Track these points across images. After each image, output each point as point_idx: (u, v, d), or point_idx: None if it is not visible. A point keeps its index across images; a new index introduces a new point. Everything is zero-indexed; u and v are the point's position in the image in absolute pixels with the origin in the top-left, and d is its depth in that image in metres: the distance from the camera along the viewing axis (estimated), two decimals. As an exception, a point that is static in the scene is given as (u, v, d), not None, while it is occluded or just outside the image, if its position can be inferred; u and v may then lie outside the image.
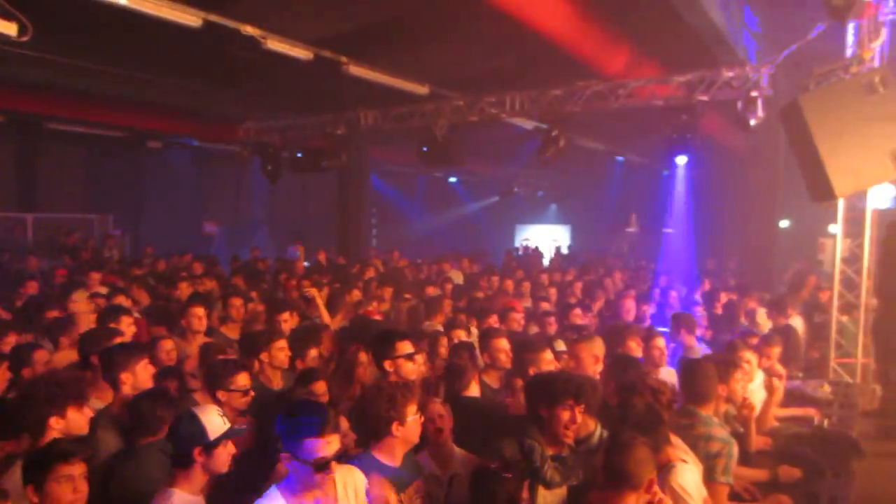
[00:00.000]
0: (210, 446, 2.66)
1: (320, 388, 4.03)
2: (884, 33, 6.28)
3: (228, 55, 8.53)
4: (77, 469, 2.57)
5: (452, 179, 23.40)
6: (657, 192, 21.70)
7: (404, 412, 3.05)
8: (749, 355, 5.00)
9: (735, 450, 3.52)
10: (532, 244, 22.82)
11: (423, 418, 3.20)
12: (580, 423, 3.28)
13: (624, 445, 2.65)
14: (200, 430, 2.66)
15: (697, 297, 9.30)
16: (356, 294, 7.87)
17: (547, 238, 24.26)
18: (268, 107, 12.59)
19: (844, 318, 7.49)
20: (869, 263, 7.21)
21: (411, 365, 4.18)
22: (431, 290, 8.90)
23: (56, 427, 3.02)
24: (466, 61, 9.42)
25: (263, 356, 4.61)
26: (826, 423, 5.27)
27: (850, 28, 6.51)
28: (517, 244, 24.42)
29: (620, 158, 18.29)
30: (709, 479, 3.38)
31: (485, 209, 24.71)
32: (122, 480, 3.02)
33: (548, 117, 9.47)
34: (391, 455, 3.08)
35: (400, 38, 8.60)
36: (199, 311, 5.68)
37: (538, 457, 3.15)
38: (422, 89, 10.07)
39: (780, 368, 5.43)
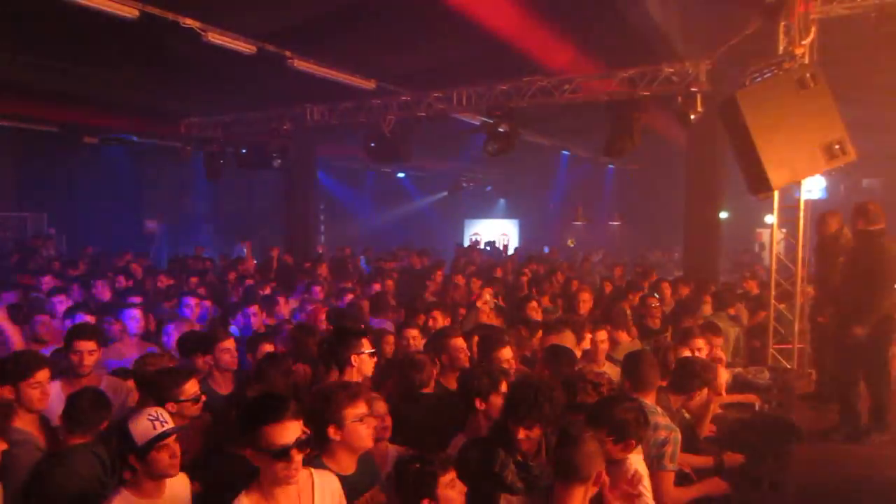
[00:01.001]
0: (142, 452, 2.66)
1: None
2: (813, 31, 6.54)
3: (168, 48, 8.30)
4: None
5: (401, 175, 23.31)
6: (603, 186, 22.19)
7: (342, 415, 2.91)
8: (701, 343, 5.14)
9: (679, 436, 3.61)
10: (482, 238, 23.00)
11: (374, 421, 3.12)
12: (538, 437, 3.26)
13: (573, 439, 2.67)
14: (128, 438, 2.68)
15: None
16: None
17: (496, 232, 24.47)
18: (211, 102, 12.26)
19: (782, 306, 7.78)
20: (803, 253, 7.50)
21: (372, 363, 4.15)
22: (376, 286, 8.84)
23: None
24: (413, 56, 9.37)
25: (208, 359, 4.50)
26: (766, 408, 5.46)
27: (782, 26, 6.74)
28: (466, 239, 24.56)
29: (566, 153, 18.54)
30: (657, 467, 3.45)
31: (434, 204, 24.73)
32: (52, 480, 3.00)
33: (495, 112, 9.52)
34: (337, 462, 2.94)
35: (346, 32, 8.49)
36: (137, 313, 5.52)
37: (499, 462, 3.13)
38: (368, 84, 9.98)
39: (722, 356, 5.61)
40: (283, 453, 2.41)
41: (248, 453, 2.47)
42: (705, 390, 4.64)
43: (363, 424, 2.97)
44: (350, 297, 7.94)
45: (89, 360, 4.13)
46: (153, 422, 2.72)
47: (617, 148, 8.85)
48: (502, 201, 25.95)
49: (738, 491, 3.79)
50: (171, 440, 2.73)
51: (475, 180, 23.41)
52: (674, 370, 4.49)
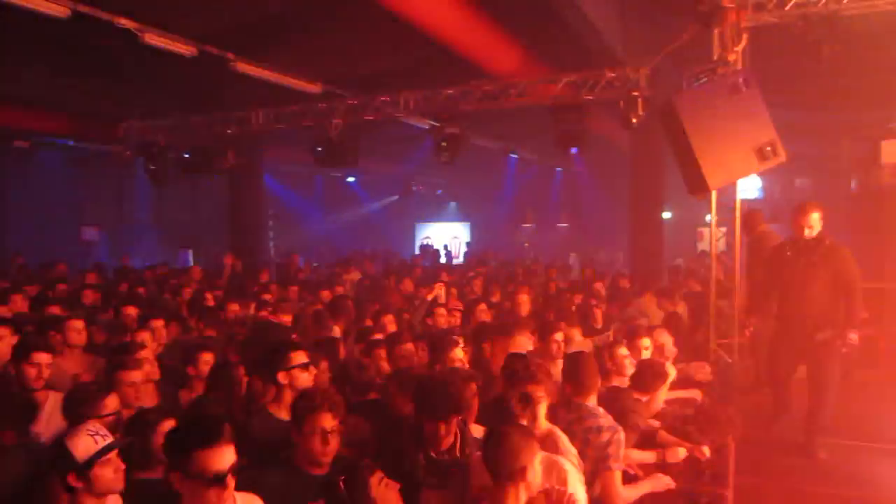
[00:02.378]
0: (84, 469, 2.54)
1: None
2: (745, 38, 6.80)
3: (103, 49, 8.05)
4: None
5: (351, 179, 23.16)
6: (551, 188, 22.54)
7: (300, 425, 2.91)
8: (647, 341, 5.27)
9: (622, 435, 3.67)
10: (433, 242, 23.05)
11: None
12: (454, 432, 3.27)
13: (496, 436, 2.68)
14: (67, 457, 2.55)
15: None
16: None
17: (448, 235, 24.57)
18: (152, 105, 11.94)
19: (722, 302, 8.03)
20: (740, 250, 7.77)
21: (306, 375, 4.05)
22: (325, 294, 8.73)
23: None
24: (359, 60, 9.36)
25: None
26: (707, 402, 5.62)
27: (716, 33, 6.98)
28: (418, 242, 24.59)
29: (515, 156, 18.77)
30: (603, 468, 3.50)
31: (385, 208, 24.66)
32: None
33: (442, 116, 9.57)
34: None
35: (290, 35, 8.42)
36: (78, 324, 5.32)
37: (409, 458, 3.13)
38: (314, 88, 9.90)
39: (673, 351, 5.80)
40: (219, 480, 2.29)
41: (173, 478, 2.33)
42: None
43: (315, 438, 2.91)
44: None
45: (46, 374, 3.99)
46: (93, 436, 2.60)
47: (565, 151, 9.03)
48: (453, 204, 26.08)
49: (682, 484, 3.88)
50: (113, 454, 2.61)
51: (426, 184, 23.45)
52: (636, 370, 4.68)
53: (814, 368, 5.78)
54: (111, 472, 2.59)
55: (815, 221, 5.61)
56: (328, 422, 2.92)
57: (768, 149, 6.02)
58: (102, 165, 14.82)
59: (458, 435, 3.27)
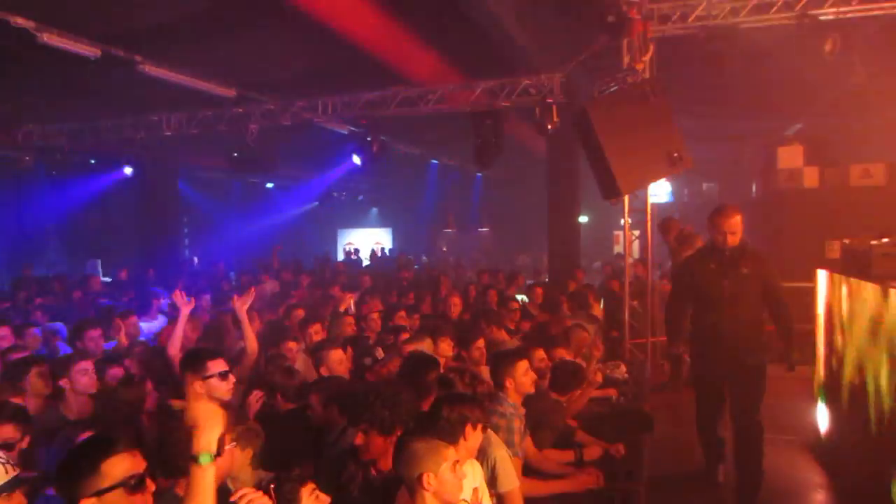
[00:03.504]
0: None
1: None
2: (651, 48, 7.11)
3: (-1, 49, 7.57)
4: None
5: (269, 185, 22.64)
6: (471, 194, 22.78)
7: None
8: (563, 352, 5.41)
9: (516, 423, 3.84)
10: (355, 248, 22.84)
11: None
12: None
13: (397, 446, 2.68)
14: None
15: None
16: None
17: (370, 241, 24.40)
18: (53, 108, 11.27)
19: (635, 303, 8.34)
20: (652, 252, 8.10)
21: (225, 385, 3.93)
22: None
23: None
24: (275, 63, 9.15)
25: (63, 382, 4.12)
26: (622, 400, 5.82)
27: (625, 43, 7.27)
28: (340, 248, 24.29)
29: (435, 161, 18.88)
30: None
31: (305, 214, 24.23)
32: None
33: (361, 121, 9.51)
34: None
35: (201, 37, 8.13)
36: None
37: (347, 474, 3.11)
38: (228, 92, 9.61)
39: (596, 353, 6.00)
40: (140, 482, 2.16)
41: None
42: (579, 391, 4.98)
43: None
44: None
45: None
46: (5, 465, 2.38)
47: (485, 157, 9.14)
48: (375, 210, 25.94)
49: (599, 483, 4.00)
50: (19, 492, 2.36)
51: (347, 189, 23.21)
52: (552, 372, 4.80)
53: (742, 398, 4.88)
54: None
55: (738, 226, 4.76)
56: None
57: (675, 155, 6.29)
58: (1, 171, 13.88)
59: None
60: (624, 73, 6.90)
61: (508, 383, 4.01)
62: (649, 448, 4.90)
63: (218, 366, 3.86)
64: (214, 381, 3.80)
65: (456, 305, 7.60)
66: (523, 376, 4.04)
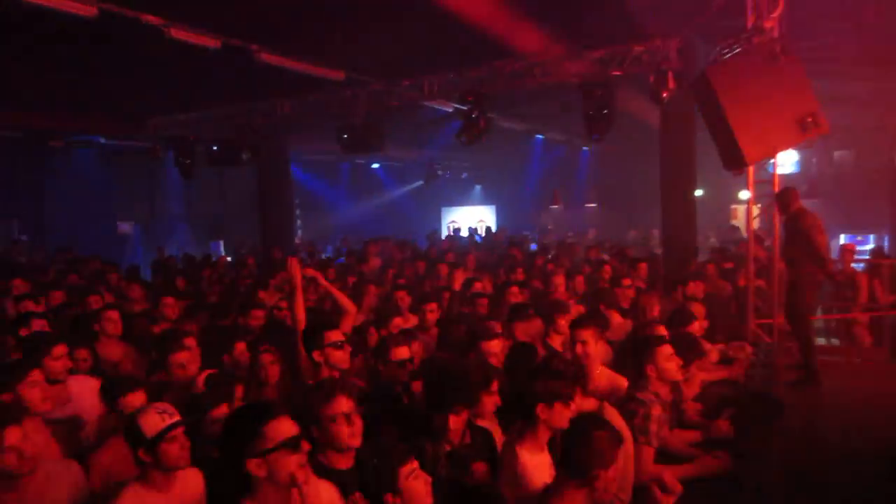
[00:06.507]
0: (151, 445, 2.73)
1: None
2: (781, 4, 6.53)
3: (130, 46, 8.10)
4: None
5: (375, 165, 23.14)
6: (578, 168, 22.22)
7: (318, 415, 2.86)
8: (695, 327, 5.17)
9: (654, 411, 3.72)
10: (459, 226, 22.94)
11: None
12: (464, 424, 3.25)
13: (579, 432, 2.62)
14: (138, 432, 2.76)
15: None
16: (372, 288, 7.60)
17: (473, 219, 24.43)
18: (179, 99, 12.00)
19: (760, 282, 7.83)
20: (778, 227, 7.54)
21: (341, 354, 4.07)
22: (351, 280, 8.71)
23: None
24: (382, 45, 9.23)
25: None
26: (749, 383, 5.49)
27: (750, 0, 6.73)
28: (444, 227, 24.50)
29: (540, 136, 18.52)
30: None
31: (410, 193, 24.60)
32: None
33: (466, 98, 9.44)
34: (328, 457, 2.88)
35: (312, 23, 8.33)
36: (114, 314, 5.42)
37: (429, 457, 3.07)
38: (337, 75, 9.82)
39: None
40: (298, 443, 2.34)
41: (250, 467, 2.29)
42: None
43: (338, 424, 2.86)
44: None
45: (70, 365, 4.17)
46: (161, 414, 2.81)
47: (594, 130, 8.84)
48: (478, 188, 25.89)
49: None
50: (179, 432, 2.80)
51: (450, 168, 23.30)
52: None
53: None
54: (177, 449, 2.77)
55: None
56: (346, 405, 2.91)
57: (809, 119, 5.79)
58: (135, 161, 15.03)
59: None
60: (749, 32, 6.41)
61: (650, 370, 3.89)
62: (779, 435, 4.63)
63: (335, 336, 4.07)
64: (331, 351, 4.01)
65: (560, 285, 7.41)
66: (666, 362, 3.90)
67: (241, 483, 2.33)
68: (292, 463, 2.31)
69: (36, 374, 3.50)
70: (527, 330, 5.19)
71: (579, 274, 8.23)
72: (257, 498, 2.31)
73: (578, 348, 4.29)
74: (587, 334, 4.32)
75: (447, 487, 2.95)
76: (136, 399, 3.43)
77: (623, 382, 4.28)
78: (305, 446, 2.38)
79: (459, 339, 4.80)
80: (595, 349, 4.35)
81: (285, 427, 2.35)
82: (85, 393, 4.06)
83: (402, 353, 4.15)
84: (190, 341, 4.48)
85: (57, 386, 3.86)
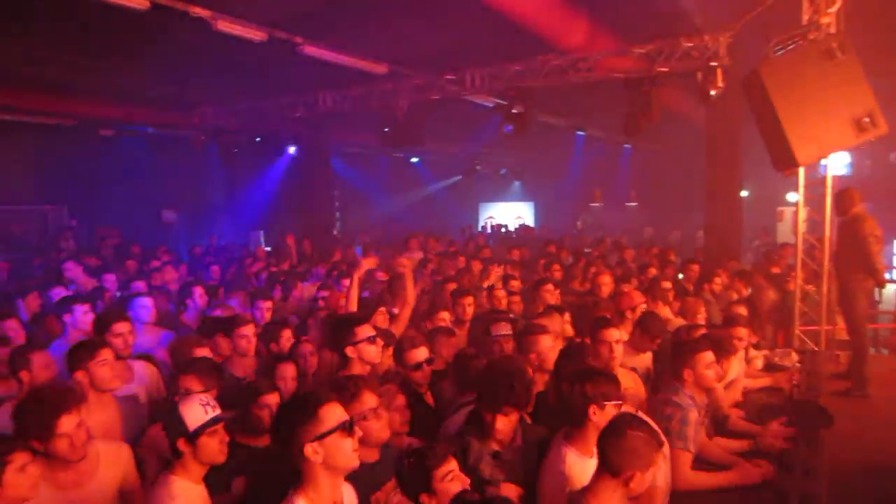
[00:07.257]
0: (192, 437, 2.69)
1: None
2: (840, -1, 6.29)
3: (179, 38, 8.24)
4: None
5: (414, 159, 23.16)
6: (619, 167, 21.88)
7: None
8: (742, 331, 5.02)
9: (691, 415, 3.64)
10: (496, 222, 22.81)
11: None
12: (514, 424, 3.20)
13: (617, 430, 2.58)
14: (179, 422, 2.71)
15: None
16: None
17: (511, 215, 24.29)
18: (224, 90, 12.20)
19: (808, 287, 7.58)
20: (830, 231, 7.28)
21: (374, 349, 4.04)
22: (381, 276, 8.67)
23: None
24: (425, 39, 9.21)
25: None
26: (795, 391, 5.32)
27: (807, -6, 6.49)
28: (482, 222, 24.41)
29: (582, 133, 18.28)
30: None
31: (448, 188, 24.56)
32: None
33: (508, 93, 9.35)
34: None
35: (356, 16, 8.36)
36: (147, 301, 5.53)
37: (473, 455, 3.03)
38: (380, 68, 9.85)
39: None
40: (351, 426, 2.37)
41: (307, 452, 2.31)
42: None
43: (367, 420, 2.88)
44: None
45: (131, 340, 4.31)
46: (204, 407, 2.76)
47: (634, 127, 8.67)
48: (517, 184, 25.71)
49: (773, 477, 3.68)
50: (220, 426, 2.77)
51: (490, 163, 23.18)
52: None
53: None
54: (217, 443, 2.74)
55: None
56: (373, 401, 2.94)
57: (866, 119, 5.57)
58: (180, 150, 15.32)
59: (519, 427, 3.21)
60: (804, 28, 6.18)
61: (686, 374, 3.79)
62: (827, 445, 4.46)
63: (366, 331, 4.04)
64: (363, 346, 3.98)
65: (606, 285, 7.25)
66: (705, 369, 3.79)
67: (288, 476, 2.35)
68: (347, 446, 2.34)
69: (105, 353, 3.60)
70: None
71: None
72: (308, 488, 2.33)
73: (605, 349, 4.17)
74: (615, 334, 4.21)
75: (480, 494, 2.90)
76: (190, 382, 3.51)
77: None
78: (357, 431, 2.41)
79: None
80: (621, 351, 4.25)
81: (338, 411, 2.39)
82: (145, 371, 4.22)
83: (419, 355, 4.06)
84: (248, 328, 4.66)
85: (120, 363, 3.96)
